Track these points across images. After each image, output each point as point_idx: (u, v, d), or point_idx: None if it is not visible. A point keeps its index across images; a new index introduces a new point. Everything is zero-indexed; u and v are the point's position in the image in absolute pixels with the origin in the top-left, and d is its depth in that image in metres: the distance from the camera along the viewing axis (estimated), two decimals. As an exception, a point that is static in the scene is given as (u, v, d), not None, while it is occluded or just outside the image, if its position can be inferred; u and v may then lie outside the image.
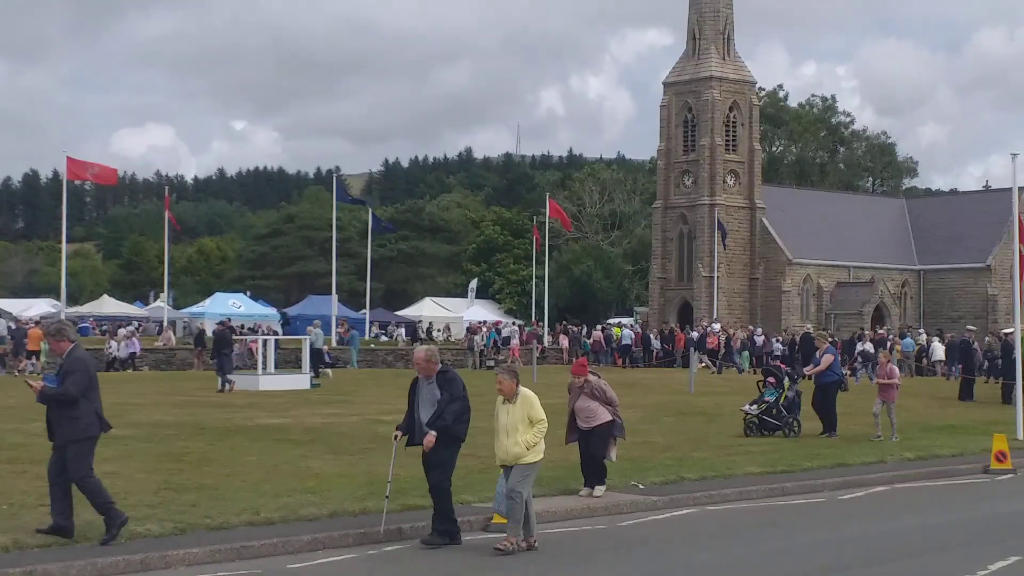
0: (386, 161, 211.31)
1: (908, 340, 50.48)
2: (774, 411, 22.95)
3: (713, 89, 72.43)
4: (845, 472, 17.96)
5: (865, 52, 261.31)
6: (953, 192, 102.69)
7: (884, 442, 21.58)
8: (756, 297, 73.43)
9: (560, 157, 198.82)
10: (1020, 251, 23.91)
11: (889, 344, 47.22)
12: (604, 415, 15.05)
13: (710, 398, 31.72)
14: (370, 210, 67.76)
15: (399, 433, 12.67)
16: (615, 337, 55.34)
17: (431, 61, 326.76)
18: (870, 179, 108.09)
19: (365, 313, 65.76)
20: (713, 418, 26.13)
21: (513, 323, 66.73)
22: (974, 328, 46.13)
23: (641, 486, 15.80)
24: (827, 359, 23.39)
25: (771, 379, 23.59)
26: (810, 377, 24.03)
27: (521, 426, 12.11)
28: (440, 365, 12.43)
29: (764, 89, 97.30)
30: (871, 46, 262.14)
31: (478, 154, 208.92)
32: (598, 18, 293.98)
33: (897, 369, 23.60)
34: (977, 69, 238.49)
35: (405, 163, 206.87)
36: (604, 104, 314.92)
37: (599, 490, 14.92)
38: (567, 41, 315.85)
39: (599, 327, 58.74)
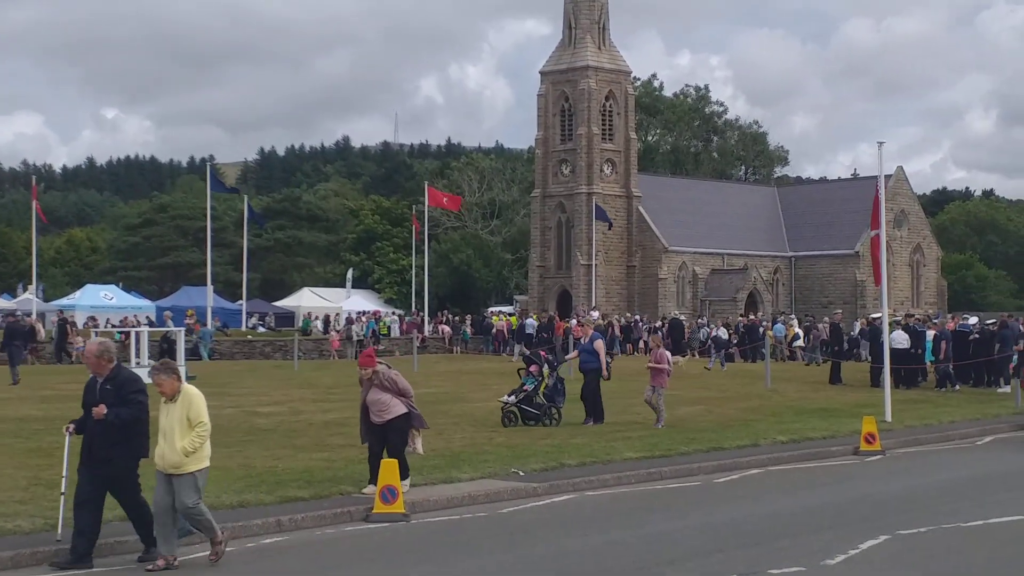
0: (262, 150, 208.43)
1: (779, 326, 51.57)
2: (535, 400, 21.96)
3: (589, 78, 72.98)
4: (720, 456, 18.28)
5: (738, 43, 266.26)
6: (823, 180, 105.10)
7: (660, 430, 21.08)
8: (634, 285, 74.29)
9: (439, 146, 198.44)
10: (877, 236, 24.57)
11: (762, 330, 48.27)
12: (398, 407, 14.27)
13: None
14: (245, 199, 66.80)
15: (72, 427, 11.24)
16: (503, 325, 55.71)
17: (309, 50, 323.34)
18: (743, 168, 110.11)
19: (242, 304, 64.86)
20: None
21: (393, 313, 66.47)
22: (841, 312, 47.26)
23: (521, 473, 15.87)
24: (598, 345, 22.72)
25: (532, 367, 22.46)
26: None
27: (179, 429, 10.87)
28: (114, 363, 11.05)
29: (639, 79, 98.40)
30: (744, 37, 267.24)
31: (356, 143, 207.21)
32: (477, 8, 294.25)
33: (668, 354, 22.88)
34: (846, 59, 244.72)
35: (281, 152, 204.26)
36: (483, 93, 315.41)
37: (405, 484, 13.97)
38: (446, 30, 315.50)
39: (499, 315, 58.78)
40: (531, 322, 51.71)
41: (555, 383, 22.29)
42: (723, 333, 45.64)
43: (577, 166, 73.19)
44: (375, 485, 13.58)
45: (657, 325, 50.91)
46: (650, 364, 22.56)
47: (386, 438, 14.25)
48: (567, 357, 24.58)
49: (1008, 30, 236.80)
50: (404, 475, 14.12)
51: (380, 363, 14.55)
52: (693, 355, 45.66)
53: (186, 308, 55.73)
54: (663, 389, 22.06)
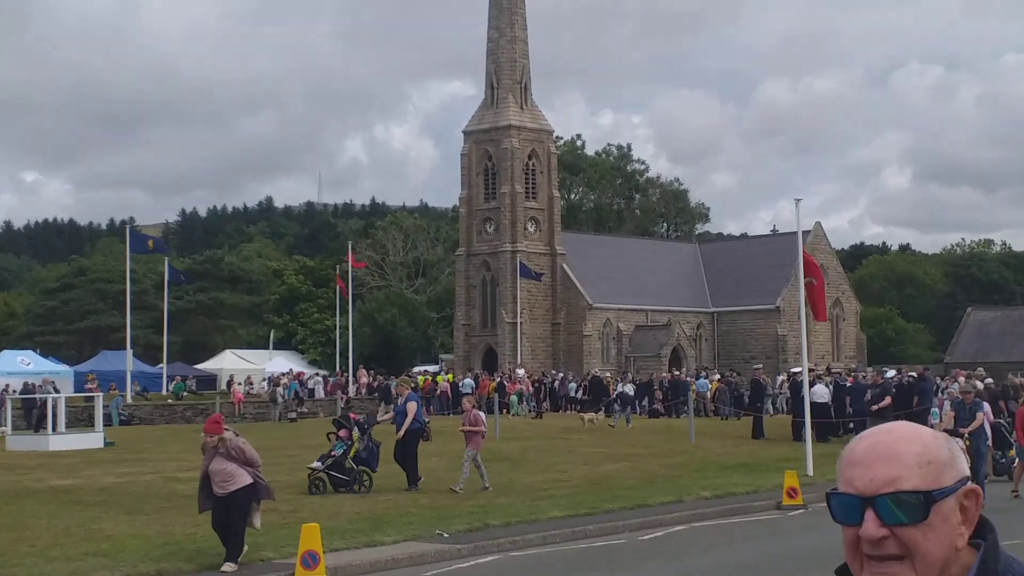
0: (183, 211, 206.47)
1: (703, 381, 51.93)
2: (345, 465, 21.00)
3: (512, 138, 73.56)
4: (645, 512, 18.30)
5: (659, 102, 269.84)
6: (744, 237, 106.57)
7: (485, 492, 20.48)
8: (559, 342, 74.50)
9: (363, 205, 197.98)
10: (813, 282, 24.82)
11: (689, 386, 48.52)
12: (243, 478, 13.46)
13: (516, 443, 31.91)
14: (166, 261, 66.07)
15: None
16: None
17: (232, 111, 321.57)
18: (665, 225, 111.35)
19: (162, 367, 63.91)
20: (518, 463, 26.28)
21: (317, 374, 65.91)
22: (762, 367, 47.77)
23: (446, 535, 15.74)
24: (410, 407, 21.84)
25: (342, 431, 21.49)
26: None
27: None
28: None
29: (562, 138, 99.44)
30: (665, 96, 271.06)
31: (279, 203, 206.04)
32: (401, 69, 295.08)
33: (483, 415, 22.15)
34: (765, 118, 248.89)
35: (203, 213, 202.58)
36: (408, 153, 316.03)
37: (229, 566, 13.22)
38: (371, 91, 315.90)
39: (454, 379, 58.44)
40: (468, 381, 51.80)
41: (369, 447, 21.30)
42: (629, 389, 45.69)
43: (501, 224, 73.54)
44: (232, 562, 13.20)
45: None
46: (464, 427, 21.59)
47: (228, 510, 13.41)
48: (379, 419, 23.41)
49: (920, 89, 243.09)
50: (234, 555, 13.37)
51: (227, 430, 13.81)
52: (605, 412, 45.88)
53: (107, 374, 54.84)
54: (476, 451, 20.99)
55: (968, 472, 2.07)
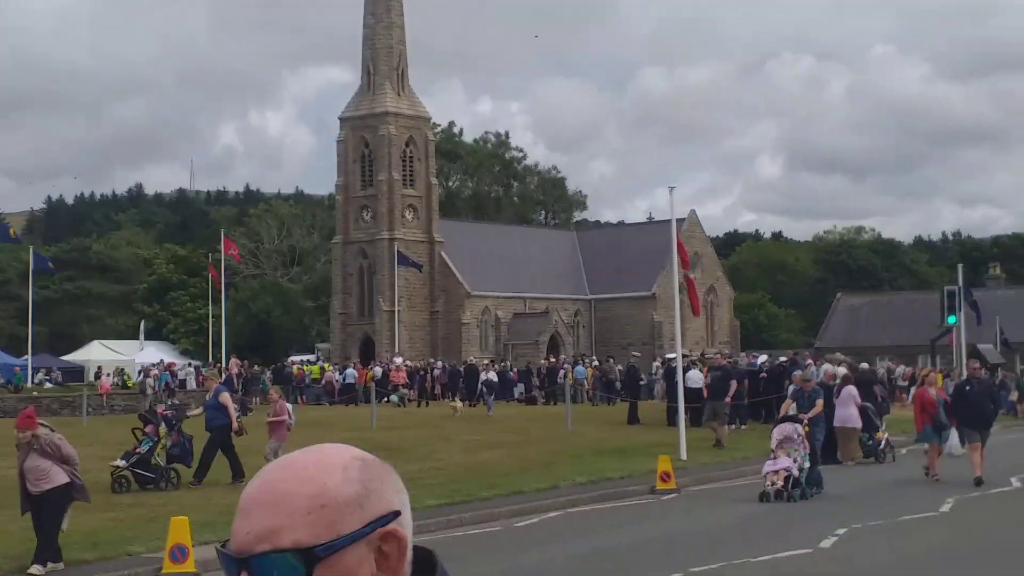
0: (49, 199, 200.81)
1: (580, 368, 52.27)
2: (151, 462, 20.16)
3: (389, 124, 73.07)
4: (520, 500, 18.28)
5: (537, 90, 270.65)
6: (621, 224, 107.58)
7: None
8: (437, 330, 74.35)
9: (237, 193, 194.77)
10: (690, 276, 25.18)
11: (563, 373, 48.81)
12: (59, 476, 12.78)
13: (393, 433, 31.67)
14: (31, 249, 64.20)
15: None
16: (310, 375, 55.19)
17: (103, 97, 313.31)
18: (543, 212, 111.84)
19: (27, 359, 62.09)
20: (395, 452, 26.02)
21: (189, 364, 64.70)
22: (639, 354, 48.29)
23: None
24: (225, 399, 21.26)
25: (148, 427, 20.61)
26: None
27: None
28: None
29: (440, 125, 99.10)
30: (543, 84, 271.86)
31: (149, 190, 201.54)
32: (277, 55, 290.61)
33: (288, 406, 21.65)
34: (641, 107, 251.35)
35: (70, 200, 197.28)
36: (284, 140, 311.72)
37: (37, 568, 12.55)
38: (245, 77, 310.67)
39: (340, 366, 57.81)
40: (351, 371, 51.49)
41: (181, 442, 20.54)
42: (493, 376, 45.76)
43: (378, 212, 73.04)
44: (40, 564, 12.60)
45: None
46: (269, 418, 20.97)
47: (40, 509, 12.77)
48: (190, 413, 22.58)
49: (793, 78, 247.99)
50: (51, 556, 12.76)
51: (43, 425, 13.18)
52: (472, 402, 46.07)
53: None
54: (280, 443, 20.17)
55: (396, 507, 1.67)
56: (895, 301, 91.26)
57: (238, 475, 20.37)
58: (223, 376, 35.01)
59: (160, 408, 23.13)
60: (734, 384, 29.94)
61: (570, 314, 79.00)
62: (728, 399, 29.13)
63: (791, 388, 21.39)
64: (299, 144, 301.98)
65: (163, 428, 20.45)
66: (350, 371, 51.89)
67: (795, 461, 18.45)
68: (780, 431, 19.07)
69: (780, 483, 18.20)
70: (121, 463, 20.14)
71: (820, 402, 20.07)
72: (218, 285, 62.25)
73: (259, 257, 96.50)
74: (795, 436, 18.71)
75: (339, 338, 74.46)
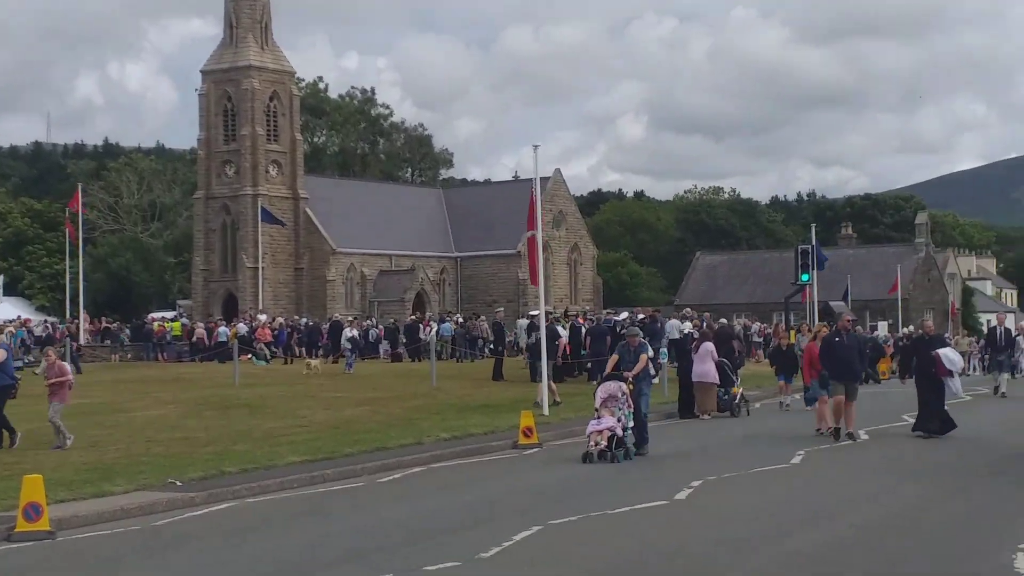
0: None
1: (446, 325, 52.41)
2: None
3: (252, 78, 71.86)
4: (384, 455, 18.38)
5: (405, 46, 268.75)
6: (487, 183, 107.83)
7: (67, 450, 18.76)
8: (302, 287, 73.74)
9: (96, 146, 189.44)
10: (533, 236, 25.45)
11: (431, 329, 48.80)
12: None
13: (256, 390, 31.44)
14: None
15: None
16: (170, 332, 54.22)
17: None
18: (409, 170, 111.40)
19: None
20: (258, 410, 25.90)
21: (46, 321, 62.99)
22: (502, 310, 48.65)
23: (179, 483, 15.39)
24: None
25: None
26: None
27: None
28: None
29: (305, 80, 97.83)
30: (410, 41, 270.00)
31: (3, 143, 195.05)
32: (138, 6, 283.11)
33: (68, 366, 20.41)
34: (508, 66, 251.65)
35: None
36: (145, 93, 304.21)
37: None
38: (105, 29, 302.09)
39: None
40: (224, 330, 50.74)
41: None
42: (355, 334, 45.55)
43: (242, 167, 71.92)
44: None
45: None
46: (48, 380, 19.56)
47: None
48: None
49: (656, 40, 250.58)
50: None
51: None
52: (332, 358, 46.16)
53: None
54: (62, 404, 19.30)
55: None
56: (752, 260, 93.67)
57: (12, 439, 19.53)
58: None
59: None
60: (562, 342, 30.36)
61: (436, 271, 79.09)
62: (558, 357, 29.67)
63: (618, 344, 20.44)
64: (160, 97, 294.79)
65: None
66: (223, 329, 51.15)
67: (619, 420, 17.97)
68: (604, 389, 18.45)
69: (604, 443, 17.71)
70: None
71: (644, 357, 18.98)
72: (74, 241, 60.62)
73: (119, 212, 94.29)
74: (619, 394, 18.20)
75: (201, 295, 73.33)
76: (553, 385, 26.26)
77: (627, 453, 17.94)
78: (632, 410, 18.22)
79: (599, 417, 18.03)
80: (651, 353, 20.35)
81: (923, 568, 10.15)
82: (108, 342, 55.83)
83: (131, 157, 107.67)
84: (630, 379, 18.53)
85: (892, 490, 14.97)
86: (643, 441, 18.73)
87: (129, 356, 53.86)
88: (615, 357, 19.36)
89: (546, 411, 23.86)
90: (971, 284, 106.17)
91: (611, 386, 18.39)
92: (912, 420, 21.84)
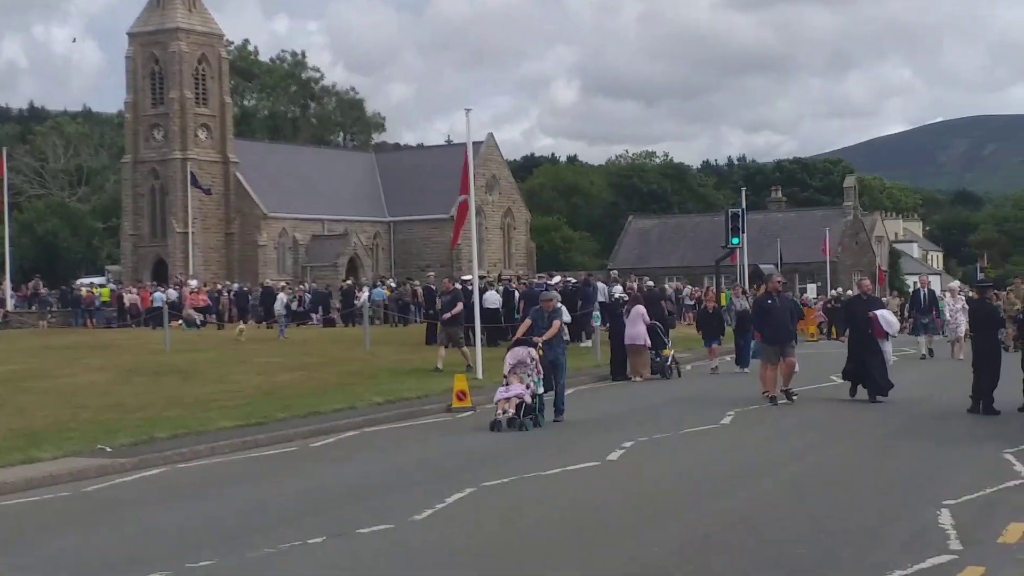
0: None
1: (379, 290, 52.32)
2: None
3: (180, 41, 70.87)
4: (317, 420, 18.33)
5: (335, 9, 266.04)
6: (420, 147, 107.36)
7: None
8: (233, 252, 73.16)
9: (20, 110, 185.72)
10: (465, 201, 25.40)
11: (362, 294, 48.73)
12: None
13: (188, 356, 31.17)
14: None
15: None
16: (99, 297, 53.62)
17: None
18: (341, 134, 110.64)
19: None
20: (189, 376, 25.68)
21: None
22: (433, 273, 48.61)
23: (109, 449, 15.24)
24: None
25: None
26: None
27: None
28: None
29: (234, 43, 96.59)
30: (341, 3, 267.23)
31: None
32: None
33: None
34: (440, 30, 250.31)
35: None
36: (70, 56, 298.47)
37: None
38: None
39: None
40: (160, 295, 50.14)
41: None
42: (283, 298, 45.33)
43: (170, 131, 71.03)
44: None
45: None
46: None
47: None
48: None
49: (589, 4, 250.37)
50: None
51: None
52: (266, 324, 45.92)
53: None
54: None
55: None
56: (683, 224, 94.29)
57: None
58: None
59: None
60: (459, 306, 30.18)
61: (369, 236, 78.78)
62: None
63: (531, 309, 19.81)
64: (86, 60, 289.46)
65: None
66: (158, 294, 50.49)
67: (528, 387, 17.47)
68: (513, 355, 17.86)
69: (512, 411, 17.25)
70: None
71: (557, 323, 18.33)
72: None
73: (44, 177, 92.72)
74: (528, 360, 17.69)
75: (131, 260, 72.49)
76: (467, 350, 26.19)
77: (536, 420, 17.52)
78: (542, 376, 17.76)
79: (507, 384, 17.59)
80: (567, 318, 19.92)
81: (849, 524, 10.36)
82: (35, 308, 54.97)
83: (57, 121, 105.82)
84: (540, 344, 17.95)
85: (819, 448, 15.25)
86: (559, 411, 18.46)
87: (55, 322, 53.14)
88: (528, 322, 18.75)
89: (480, 375, 23.92)
90: (898, 246, 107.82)
91: (520, 352, 17.82)
92: (839, 380, 22.12)
